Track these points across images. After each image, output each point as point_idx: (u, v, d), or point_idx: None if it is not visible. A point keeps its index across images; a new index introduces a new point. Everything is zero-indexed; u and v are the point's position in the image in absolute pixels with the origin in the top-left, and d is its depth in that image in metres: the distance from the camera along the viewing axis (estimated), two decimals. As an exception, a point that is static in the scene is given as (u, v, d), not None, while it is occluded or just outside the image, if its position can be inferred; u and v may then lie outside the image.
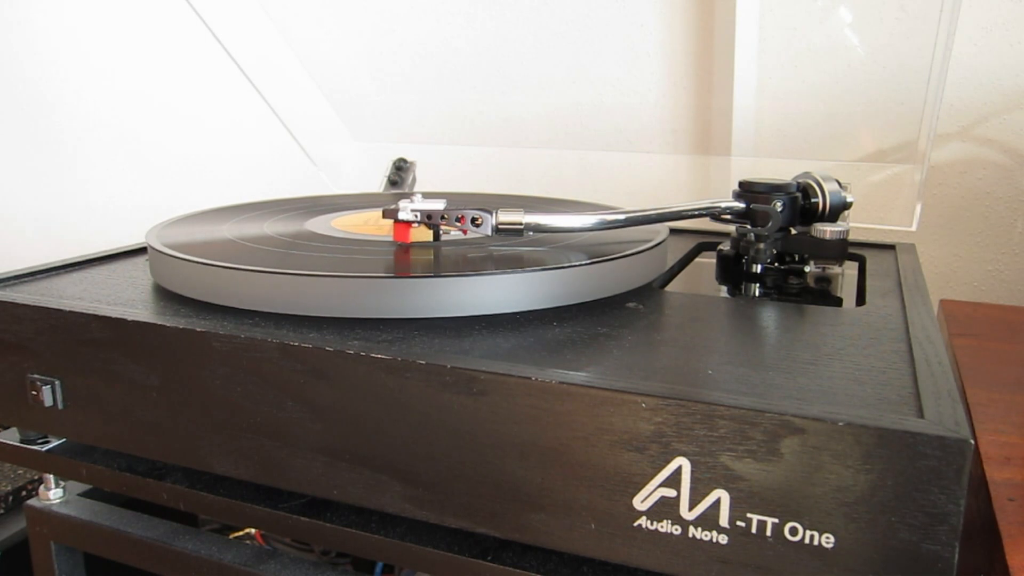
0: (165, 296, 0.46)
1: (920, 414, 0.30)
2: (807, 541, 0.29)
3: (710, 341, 0.39)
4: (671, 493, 0.31)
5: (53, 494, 0.50)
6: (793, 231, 0.54)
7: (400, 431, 0.36)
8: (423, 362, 0.34)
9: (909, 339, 0.39)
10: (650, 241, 0.50)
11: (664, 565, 0.32)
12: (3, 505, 0.63)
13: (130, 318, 0.41)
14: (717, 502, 0.31)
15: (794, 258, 0.56)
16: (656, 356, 0.37)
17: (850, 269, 0.59)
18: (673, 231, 0.68)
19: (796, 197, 0.54)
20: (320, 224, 0.58)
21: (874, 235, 0.80)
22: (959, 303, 0.74)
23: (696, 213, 0.53)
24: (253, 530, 0.60)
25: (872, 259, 0.60)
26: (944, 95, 0.78)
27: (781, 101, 0.87)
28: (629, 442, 0.31)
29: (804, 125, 0.87)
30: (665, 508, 0.31)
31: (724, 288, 0.54)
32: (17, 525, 0.62)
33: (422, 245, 0.50)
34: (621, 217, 0.49)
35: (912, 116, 0.82)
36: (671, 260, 0.57)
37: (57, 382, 0.44)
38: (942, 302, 0.74)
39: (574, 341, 0.39)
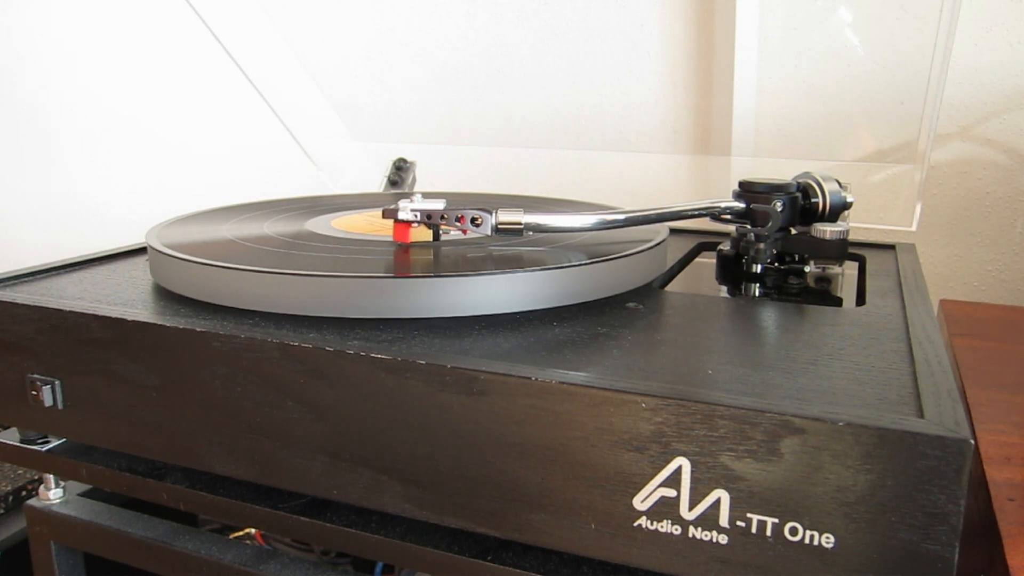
0: (165, 296, 0.46)
1: (920, 414, 0.30)
2: (807, 541, 0.29)
3: (710, 341, 0.39)
4: (671, 493, 0.31)
5: (53, 494, 0.50)
6: (793, 231, 0.54)
7: (400, 431, 0.36)
8: (423, 362, 0.34)
9: (909, 339, 0.39)
10: (650, 241, 0.50)
11: (664, 565, 0.32)
12: (3, 505, 0.63)
13: (130, 318, 0.41)
14: (717, 502, 0.31)
15: (794, 258, 0.56)
16: (656, 356, 0.37)
17: (850, 269, 0.59)
18: (673, 231, 0.68)
19: (796, 197, 0.54)
20: (320, 224, 0.58)
21: (874, 235, 0.80)
22: (959, 303, 0.74)
23: (696, 213, 0.53)
24: (253, 530, 0.60)
25: (872, 259, 0.60)
26: (944, 95, 0.78)
27: (781, 101, 0.86)
28: (629, 442, 0.31)
29: (804, 125, 0.87)
30: (665, 508, 0.31)
31: (724, 288, 0.54)
32: (17, 525, 0.62)
33: (422, 245, 0.50)
34: (621, 217, 0.49)
35: (912, 116, 0.82)
36: (671, 260, 0.57)
37: (57, 382, 0.44)
38: (942, 302, 0.74)
39: (574, 341, 0.39)
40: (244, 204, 0.67)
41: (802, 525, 0.29)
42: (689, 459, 0.31)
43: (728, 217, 0.55)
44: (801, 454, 0.29)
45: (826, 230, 0.52)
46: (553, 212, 0.48)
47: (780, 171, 0.59)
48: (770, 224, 0.52)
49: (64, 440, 0.49)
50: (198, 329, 0.39)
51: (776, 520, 0.30)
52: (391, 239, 0.51)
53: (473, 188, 1.06)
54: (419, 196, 0.50)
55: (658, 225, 0.55)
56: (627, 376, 0.34)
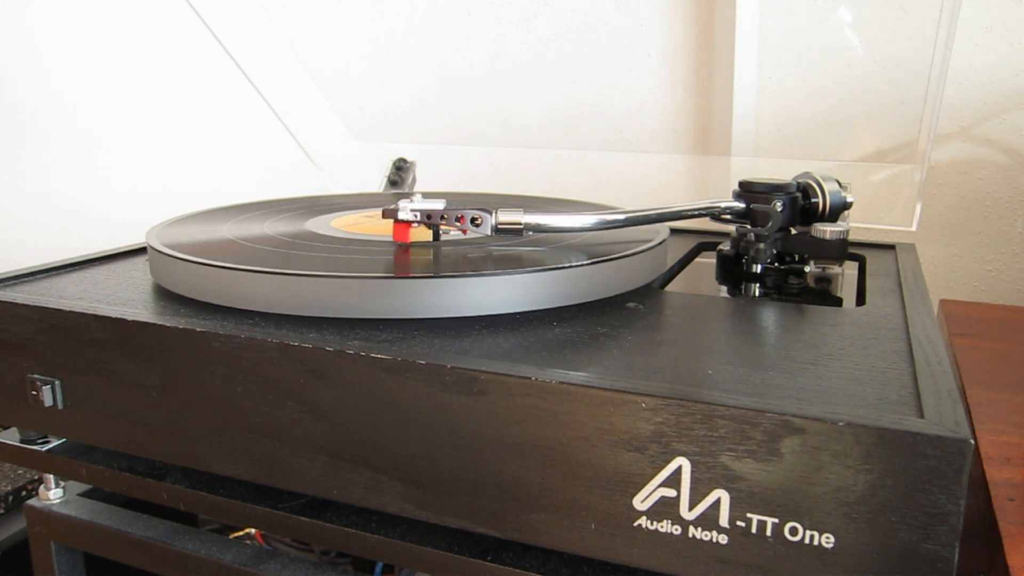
0: (165, 296, 0.46)
1: (920, 414, 0.30)
2: (807, 541, 0.29)
3: (710, 341, 0.39)
4: (671, 493, 0.31)
5: (53, 494, 0.50)
6: (793, 231, 0.54)
7: (400, 431, 0.36)
8: (423, 362, 0.34)
9: (909, 339, 0.39)
10: (650, 241, 0.50)
11: (664, 565, 0.32)
12: (3, 505, 0.63)
13: (130, 318, 0.41)
14: (717, 502, 0.31)
15: (794, 258, 0.56)
16: (656, 356, 0.37)
17: (850, 269, 0.59)
18: (673, 231, 0.68)
19: (796, 197, 0.54)
20: (320, 224, 0.58)
21: (874, 235, 0.80)
22: (959, 303, 0.74)
23: (696, 213, 0.53)
24: (253, 530, 0.60)
25: (872, 259, 0.60)
26: (944, 95, 0.78)
27: (781, 101, 0.86)
28: (629, 442, 0.31)
29: (804, 125, 0.87)
30: (665, 508, 0.31)
31: (724, 288, 0.54)
32: (17, 525, 0.62)
33: (422, 245, 0.50)
34: (621, 217, 0.49)
35: (912, 116, 0.82)
36: (671, 260, 0.57)
37: (57, 382, 0.44)
38: (942, 302, 0.74)
39: (574, 341, 0.39)
40: (244, 204, 0.67)
41: (802, 525, 0.29)
42: (689, 459, 0.31)
43: (728, 217, 0.55)
44: (801, 454, 0.29)
45: (826, 230, 0.52)
46: (553, 212, 0.48)
47: (780, 171, 0.59)
48: (770, 224, 0.52)
49: (64, 440, 0.49)
50: (198, 329, 0.39)
51: (776, 520, 0.30)
52: (391, 239, 0.51)
53: (473, 188, 1.06)
54: (419, 196, 0.50)
55: (658, 225, 0.55)
56: (627, 376, 0.34)
